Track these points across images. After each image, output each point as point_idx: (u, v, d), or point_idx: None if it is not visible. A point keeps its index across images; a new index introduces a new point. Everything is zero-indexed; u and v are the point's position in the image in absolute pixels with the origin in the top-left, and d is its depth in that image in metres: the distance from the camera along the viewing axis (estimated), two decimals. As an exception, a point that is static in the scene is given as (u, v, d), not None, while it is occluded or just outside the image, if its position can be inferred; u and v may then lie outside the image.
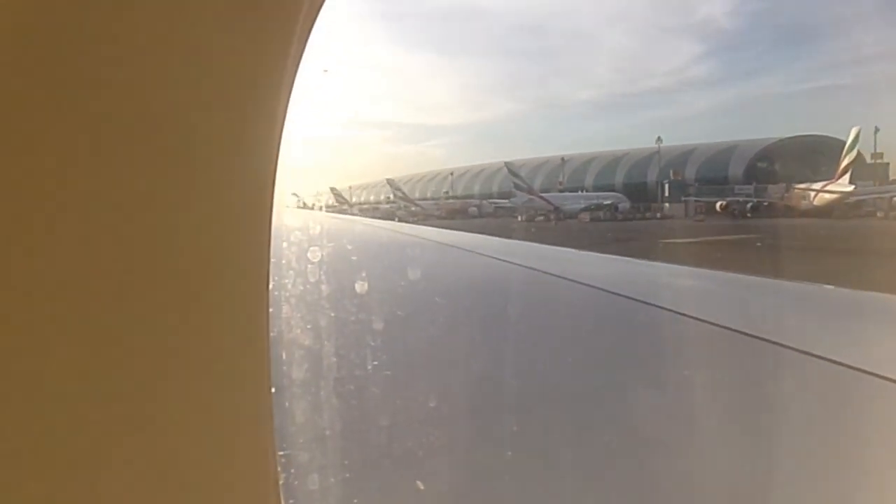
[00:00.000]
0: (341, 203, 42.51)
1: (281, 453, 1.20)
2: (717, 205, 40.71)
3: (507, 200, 42.93)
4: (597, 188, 49.14)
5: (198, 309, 1.07)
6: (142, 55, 1.04)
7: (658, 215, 42.01)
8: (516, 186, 41.78)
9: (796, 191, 41.86)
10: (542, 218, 39.12)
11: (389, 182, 42.77)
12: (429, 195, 59.14)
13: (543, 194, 44.19)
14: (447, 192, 60.67)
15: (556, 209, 41.28)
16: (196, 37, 1.04)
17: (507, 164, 44.73)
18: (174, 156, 1.04)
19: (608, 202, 43.32)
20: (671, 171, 46.07)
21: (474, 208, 45.19)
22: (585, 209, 41.22)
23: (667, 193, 45.25)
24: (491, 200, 46.10)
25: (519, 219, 39.02)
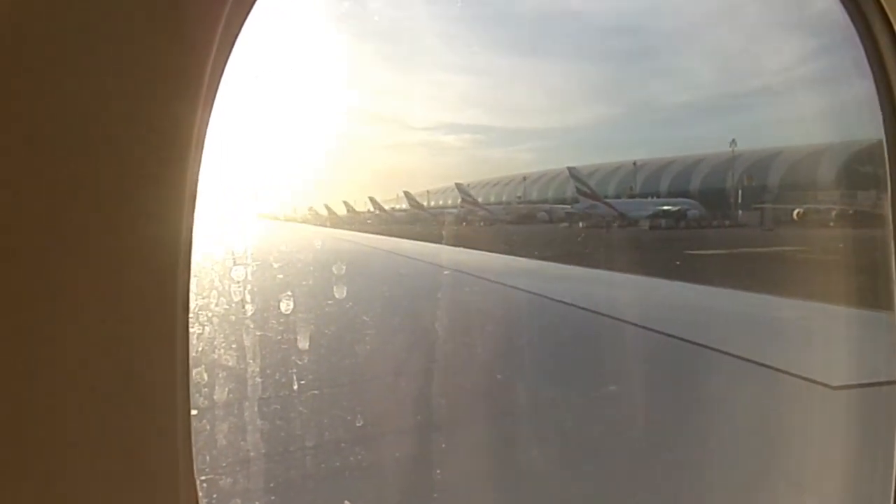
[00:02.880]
0: (415, 207, 42.97)
1: (202, 478, 1.16)
2: (794, 213, 38.60)
3: (569, 206, 42.27)
4: (671, 194, 47.49)
5: (111, 321, 1.04)
6: (59, 54, 1.02)
7: (727, 223, 40.16)
8: (579, 192, 40.97)
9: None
10: (600, 225, 38.26)
11: (458, 186, 42.86)
12: (504, 199, 58.96)
13: (609, 200, 43.28)
14: (519, 197, 60.23)
15: (622, 215, 40.31)
16: (116, 41, 1.03)
17: (569, 168, 43.91)
18: (86, 159, 1.01)
19: (675, 209, 41.91)
20: (745, 177, 44.25)
21: (544, 213, 44.63)
22: (650, 216, 40.13)
23: (740, 200, 43.56)
24: (556, 206, 45.48)
25: (581, 225, 38.37)
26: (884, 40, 2.15)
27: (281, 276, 4.91)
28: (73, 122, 1.06)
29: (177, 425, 1.13)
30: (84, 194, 1.09)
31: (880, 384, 2.68)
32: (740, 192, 43.57)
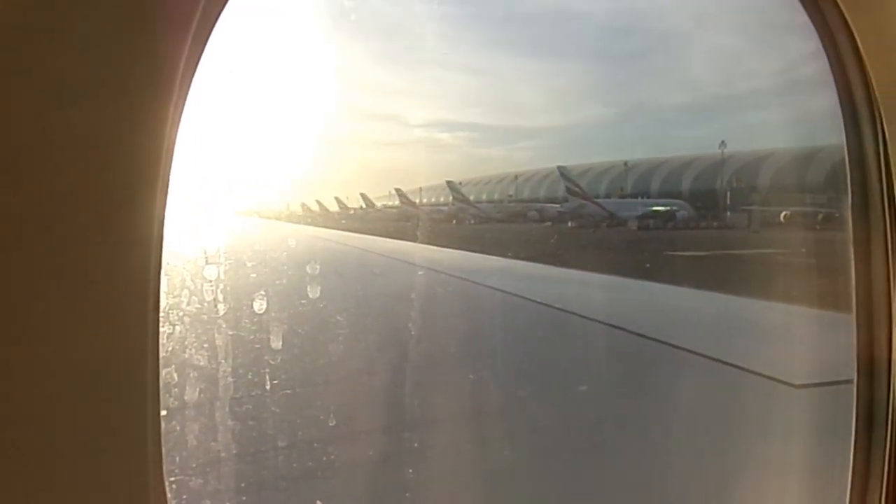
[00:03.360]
0: (406, 204, 42.93)
1: (171, 479, 1.14)
2: (782, 215, 38.63)
3: (559, 205, 42.34)
4: (662, 195, 47.61)
5: (79, 320, 1.02)
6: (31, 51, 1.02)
7: (715, 225, 40.27)
8: (568, 191, 41.01)
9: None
10: (588, 225, 38.33)
11: (449, 184, 42.83)
12: (496, 197, 59.06)
13: (599, 200, 43.35)
14: (511, 195, 60.37)
15: (611, 215, 40.35)
16: (85, 37, 1.02)
17: (559, 167, 43.97)
18: (56, 159, 1.00)
19: (664, 209, 42.04)
20: (734, 179, 44.41)
21: (534, 212, 44.72)
22: (639, 217, 40.20)
23: (729, 202, 43.69)
24: (545, 205, 45.60)
25: (569, 225, 38.39)
26: (844, 46, 2.18)
27: (254, 275, 4.92)
28: (42, 121, 1.07)
29: (147, 426, 1.11)
30: (54, 194, 1.09)
31: (838, 383, 2.73)
32: (729, 194, 43.73)
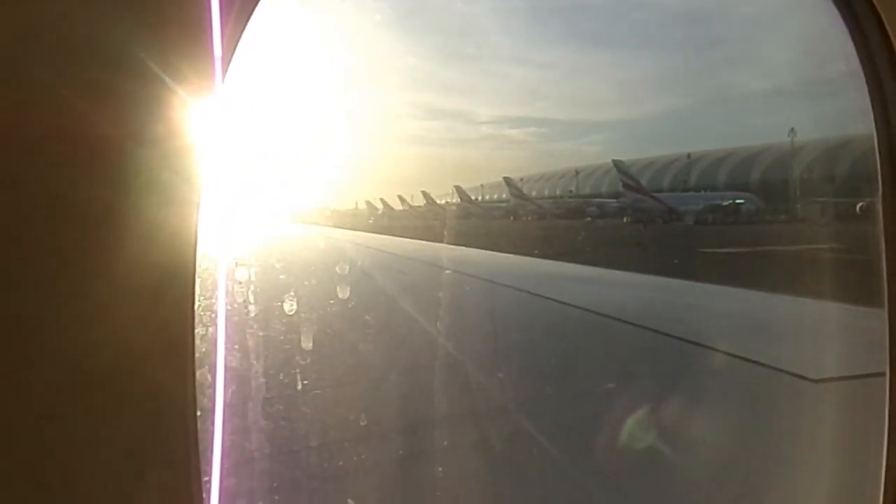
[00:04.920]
0: (466, 202, 43.35)
1: (206, 479, 1.19)
2: (858, 206, 36.63)
3: (615, 200, 41.63)
4: (729, 187, 46.17)
5: (119, 324, 1.08)
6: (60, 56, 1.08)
7: (782, 218, 38.72)
8: (624, 185, 40.21)
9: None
10: (642, 220, 37.33)
11: (506, 181, 42.90)
12: (557, 193, 58.83)
13: (659, 194, 42.35)
14: (571, 191, 59.94)
15: (670, 210, 39.26)
16: (117, 38, 1.08)
17: (614, 161, 43.25)
18: (92, 162, 1.06)
19: (727, 203, 40.66)
20: (806, 169, 42.58)
21: (594, 208, 44.26)
22: (697, 211, 38.91)
23: (800, 193, 41.85)
24: (604, 200, 44.98)
25: (624, 220, 37.64)
26: (874, 38, 2.09)
27: (283, 276, 4.99)
28: (77, 124, 1.05)
29: (187, 427, 1.13)
30: (88, 197, 1.11)
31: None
32: (800, 184, 41.96)
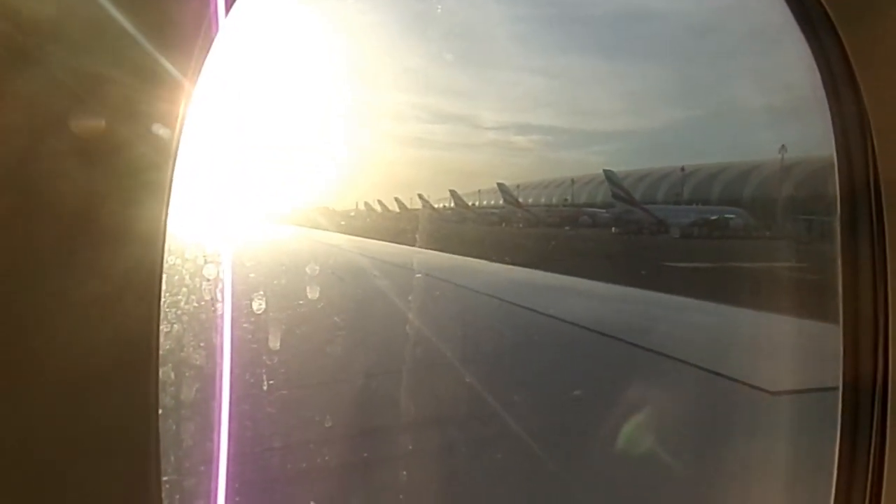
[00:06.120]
0: (461, 206, 43.27)
1: (165, 479, 1.18)
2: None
3: (604, 210, 41.67)
4: (722, 202, 46.24)
5: (78, 318, 1.04)
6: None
7: (767, 234, 38.71)
8: (614, 196, 40.27)
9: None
10: (631, 231, 37.39)
11: (500, 187, 42.82)
12: (553, 201, 58.59)
13: (650, 206, 42.42)
14: (566, 200, 59.74)
15: (659, 222, 39.38)
16: (99, 37, 1.04)
17: (605, 171, 43.27)
18: (67, 160, 1.03)
19: (715, 217, 40.79)
20: (795, 186, 42.54)
21: (586, 217, 44.32)
22: (684, 224, 39.00)
23: (789, 210, 41.69)
24: (596, 210, 45.02)
25: (613, 231, 37.73)
26: (836, 62, 2.20)
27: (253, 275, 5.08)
28: (54, 121, 1.03)
29: (149, 425, 1.11)
30: (65, 192, 1.05)
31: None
32: (788, 201, 41.94)
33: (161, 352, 1.13)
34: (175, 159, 1.14)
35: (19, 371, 1.08)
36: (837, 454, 2.23)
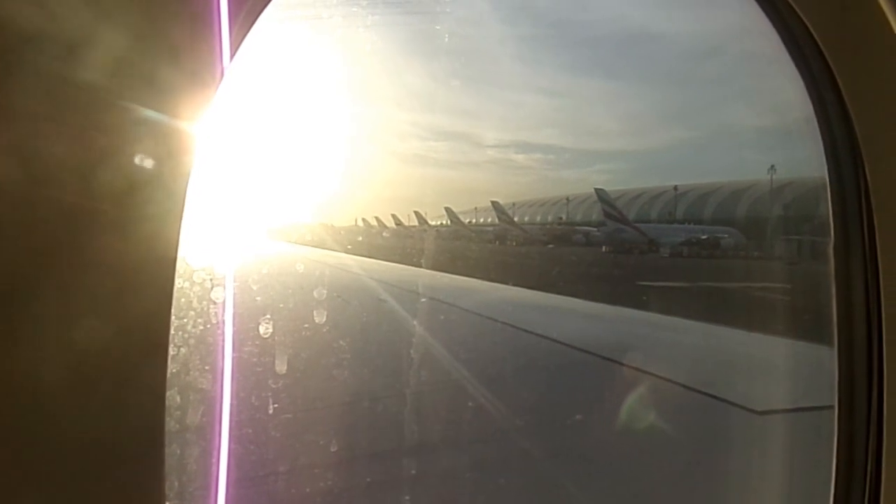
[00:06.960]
0: (456, 224, 43.40)
1: None
2: (832, 247, 36.11)
3: (595, 229, 41.91)
4: (715, 222, 46.47)
5: (95, 329, 1.04)
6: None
7: (756, 254, 38.84)
8: (606, 215, 40.50)
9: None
10: (621, 250, 37.57)
11: (494, 205, 42.96)
12: (549, 220, 58.81)
13: (642, 225, 42.62)
14: (561, 218, 59.93)
15: (651, 241, 39.54)
16: (113, 42, 1.03)
17: (596, 190, 43.56)
18: (83, 162, 1.02)
19: (706, 237, 41.02)
20: (787, 206, 42.83)
21: (580, 236, 44.48)
22: (674, 244, 39.16)
23: (780, 231, 41.86)
24: (590, 229, 45.25)
25: (603, 249, 37.86)
26: (825, 88, 2.25)
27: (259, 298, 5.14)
28: (67, 126, 1.03)
29: (155, 447, 1.10)
30: (78, 199, 1.04)
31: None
32: (779, 222, 42.18)
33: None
34: (188, 178, 1.14)
35: (20, 377, 1.07)
36: (834, 471, 2.25)
